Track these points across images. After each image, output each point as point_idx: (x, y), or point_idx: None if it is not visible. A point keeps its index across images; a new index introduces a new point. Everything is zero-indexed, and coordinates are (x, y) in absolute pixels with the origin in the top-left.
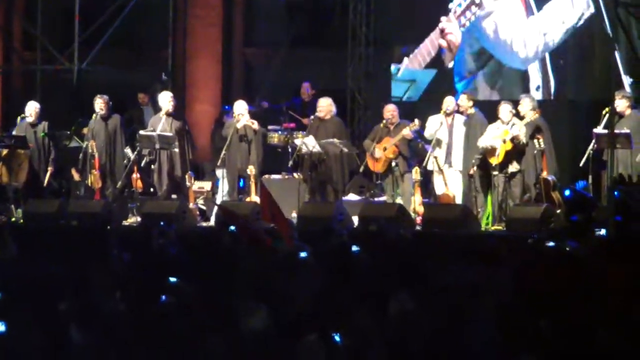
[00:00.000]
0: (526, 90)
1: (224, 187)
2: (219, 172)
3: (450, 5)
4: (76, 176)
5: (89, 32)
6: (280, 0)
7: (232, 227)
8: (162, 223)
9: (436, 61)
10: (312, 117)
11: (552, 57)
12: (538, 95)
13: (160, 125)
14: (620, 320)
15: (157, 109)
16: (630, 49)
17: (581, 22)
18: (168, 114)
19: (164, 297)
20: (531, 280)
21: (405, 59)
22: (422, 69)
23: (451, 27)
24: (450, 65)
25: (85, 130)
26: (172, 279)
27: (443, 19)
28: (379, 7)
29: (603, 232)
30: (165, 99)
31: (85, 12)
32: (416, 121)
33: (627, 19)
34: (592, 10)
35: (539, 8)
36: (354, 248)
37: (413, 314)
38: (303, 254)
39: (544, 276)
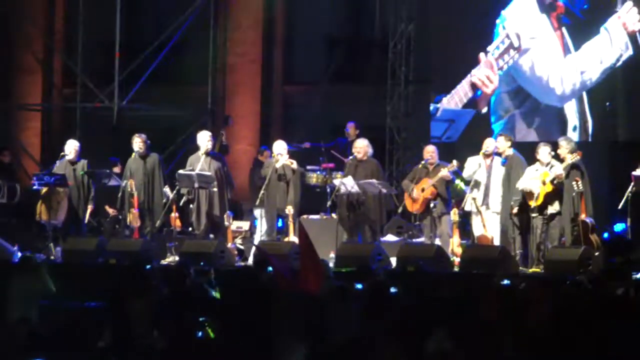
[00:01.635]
0: (564, 130)
1: (262, 227)
2: (257, 212)
3: (489, 48)
4: (110, 211)
5: (128, 70)
6: (319, 37)
7: (270, 268)
8: (202, 263)
9: (474, 101)
10: (349, 157)
11: (592, 98)
12: (575, 137)
13: (199, 164)
14: None
15: (220, 148)
16: None
17: (619, 63)
18: (207, 153)
19: (200, 333)
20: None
21: (444, 99)
22: (461, 109)
23: (483, 76)
24: (484, 110)
25: (117, 169)
26: None
27: (482, 56)
28: (418, 46)
29: None
30: (204, 139)
31: (125, 48)
32: (454, 162)
33: None
34: (630, 52)
35: (577, 47)
36: (392, 289)
37: (450, 353)
38: (359, 286)
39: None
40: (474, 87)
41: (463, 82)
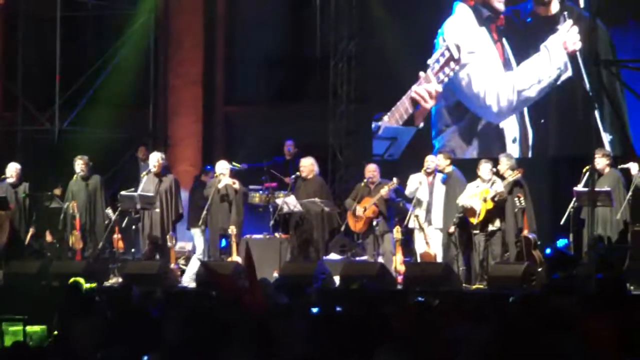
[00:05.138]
0: (503, 145)
1: (199, 247)
2: (194, 231)
3: (429, 61)
4: (49, 238)
5: (69, 93)
6: (261, 57)
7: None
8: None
9: (412, 116)
10: (293, 176)
11: (531, 113)
12: (515, 148)
13: (142, 184)
14: None
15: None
16: (610, 107)
17: (559, 82)
18: (155, 174)
19: (146, 357)
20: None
21: (385, 117)
22: (402, 127)
23: (423, 92)
24: (421, 125)
25: (57, 191)
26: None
27: (421, 74)
28: (359, 64)
29: None
30: (153, 159)
31: (66, 72)
32: (395, 180)
33: (607, 76)
34: (569, 73)
35: (518, 62)
36: (337, 309)
37: None
38: (315, 310)
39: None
40: (414, 102)
41: (403, 99)
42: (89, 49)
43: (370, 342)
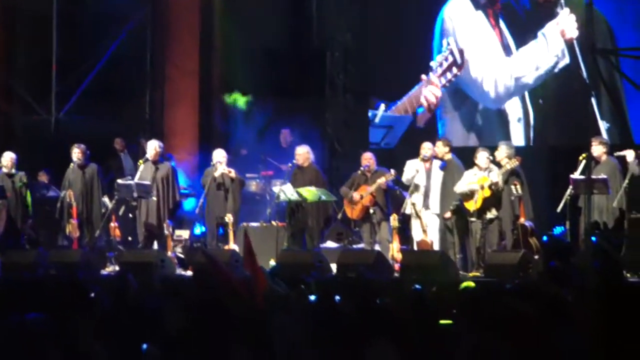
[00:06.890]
0: (505, 126)
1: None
2: None
3: (432, 64)
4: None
5: (66, 83)
6: (257, 48)
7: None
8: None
9: (415, 116)
10: (289, 164)
11: (532, 97)
12: (520, 128)
13: (140, 172)
14: None
15: (133, 155)
16: (607, 95)
17: (556, 70)
18: (152, 162)
19: (145, 345)
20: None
21: (382, 104)
22: (399, 115)
23: (431, 96)
24: (422, 125)
25: (44, 178)
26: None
27: (423, 77)
28: (356, 55)
29: None
30: (150, 147)
31: (62, 61)
32: (392, 171)
33: (605, 64)
34: (567, 60)
35: (518, 47)
36: (336, 297)
37: None
38: (312, 298)
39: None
40: (416, 104)
41: (404, 99)
42: (87, 41)
43: (366, 331)
